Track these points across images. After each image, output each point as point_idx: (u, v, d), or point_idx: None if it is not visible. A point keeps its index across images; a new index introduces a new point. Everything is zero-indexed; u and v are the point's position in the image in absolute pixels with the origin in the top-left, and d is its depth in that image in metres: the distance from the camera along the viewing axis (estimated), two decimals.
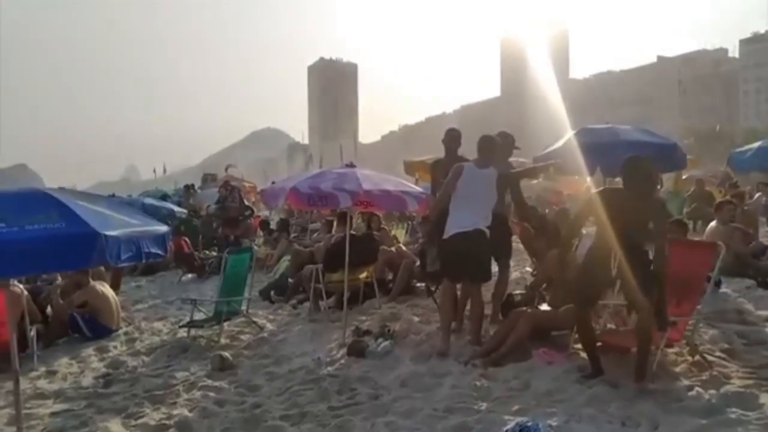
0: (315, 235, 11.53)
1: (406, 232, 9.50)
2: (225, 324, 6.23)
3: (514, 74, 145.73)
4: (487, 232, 4.78)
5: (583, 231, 7.00)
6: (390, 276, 7.64)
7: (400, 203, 5.83)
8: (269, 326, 6.55)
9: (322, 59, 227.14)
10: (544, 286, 5.38)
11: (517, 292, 5.81)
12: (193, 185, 19.09)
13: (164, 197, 16.87)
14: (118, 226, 2.85)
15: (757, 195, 13.46)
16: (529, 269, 8.04)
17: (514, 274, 8.23)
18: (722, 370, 3.88)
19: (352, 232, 6.65)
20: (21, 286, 5.95)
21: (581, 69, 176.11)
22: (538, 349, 4.44)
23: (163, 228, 3.29)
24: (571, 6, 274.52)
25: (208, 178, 19.11)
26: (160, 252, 3.12)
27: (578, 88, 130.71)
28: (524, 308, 4.97)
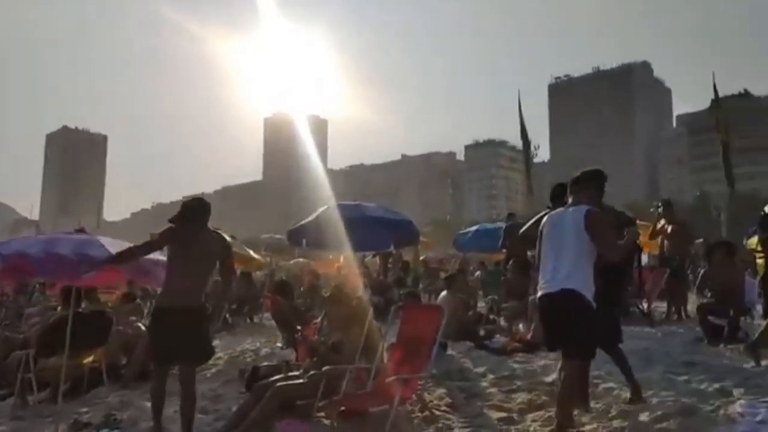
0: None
1: None
2: None
3: (277, 157, 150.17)
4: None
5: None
6: (124, 360, 6.79)
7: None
8: None
9: (65, 128, 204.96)
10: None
11: (265, 364, 5.62)
12: None
13: None
14: None
15: (477, 273, 15.67)
16: (279, 345, 7.92)
17: (263, 350, 8.04)
18: (446, 422, 4.21)
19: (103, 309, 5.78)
20: None
21: (338, 160, 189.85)
22: (281, 420, 4.28)
23: None
24: (330, 100, 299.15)
25: None
26: None
27: (336, 178, 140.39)
28: (270, 380, 4.79)
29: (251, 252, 10.96)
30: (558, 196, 4.70)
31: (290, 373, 4.92)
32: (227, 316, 10.99)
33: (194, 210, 4.38)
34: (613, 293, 4.20)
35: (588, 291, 3.58)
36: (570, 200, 3.93)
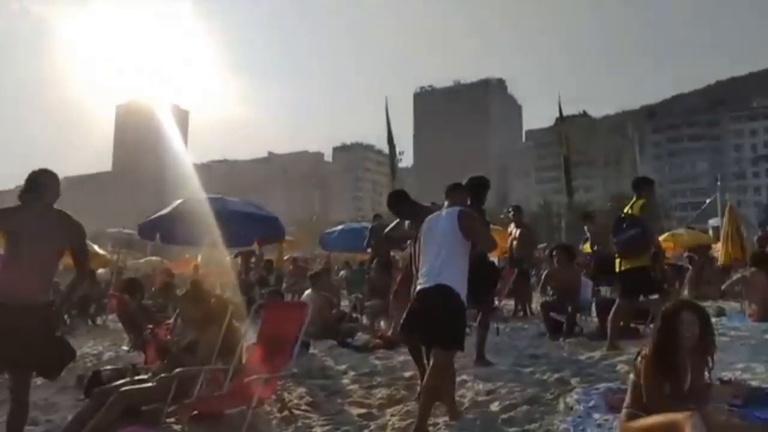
0: None
1: None
2: None
3: (130, 147, 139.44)
4: None
5: None
6: None
7: None
8: None
9: None
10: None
11: (109, 367, 5.13)
12: None
13: None
14: None
15: (342, 272, 15.78)
16: (125, 348, 7.30)
17: (107, 354, 7.37)
18: (306, 421, 4.13)
19: None
20: None
21: (199, 153, 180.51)
22: (125, 427, 3.91)
23: None
24: (191, 90, 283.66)
25: None
26: None
27: (197, 172, 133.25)
28: (113, 384, 4.36)
29: (96, 247, 10.04)
30: (392, 203, 4.95)
31: (137, 377, 4.54)
32: (66, 317, 9.96)
33: (41, 182, 3.59)
34: (481, 291, 4.46)
35: (460, 287, 3.74)
36: (446, 204, 4.14)
